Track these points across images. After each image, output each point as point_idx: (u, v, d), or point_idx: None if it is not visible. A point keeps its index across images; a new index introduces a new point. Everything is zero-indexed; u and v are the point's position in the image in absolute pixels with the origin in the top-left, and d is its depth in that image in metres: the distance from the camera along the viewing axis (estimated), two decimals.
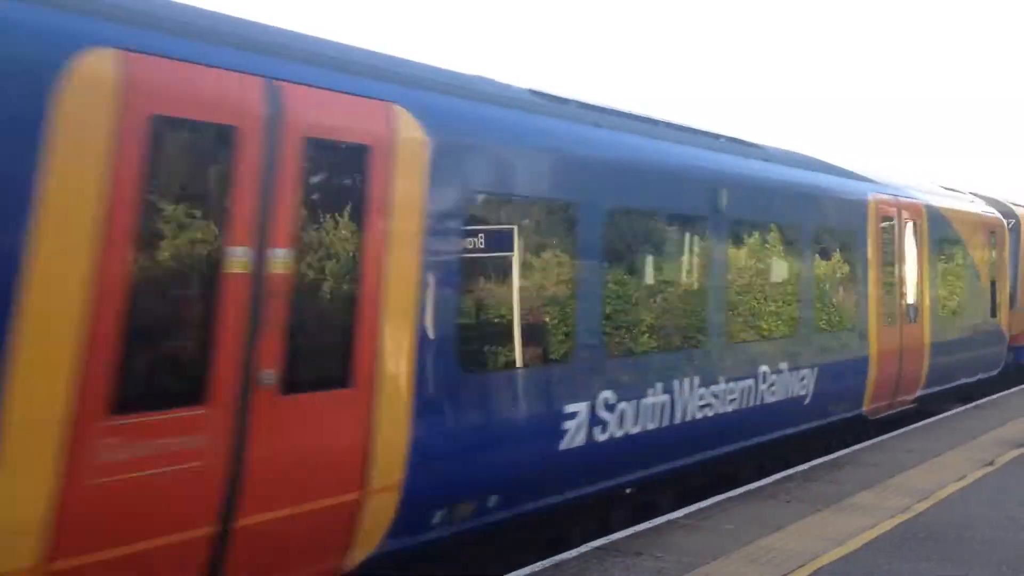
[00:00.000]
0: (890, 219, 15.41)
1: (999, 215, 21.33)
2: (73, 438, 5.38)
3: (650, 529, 9.62)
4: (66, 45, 5.48)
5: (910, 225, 16.10)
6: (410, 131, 7.44)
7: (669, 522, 9.88)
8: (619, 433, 9.47)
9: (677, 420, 10.21)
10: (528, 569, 8.34)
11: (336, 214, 6.91)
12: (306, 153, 6.64)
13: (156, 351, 6.08)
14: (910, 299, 15.95)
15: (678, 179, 10.68)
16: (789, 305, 12.51)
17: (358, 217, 7.00)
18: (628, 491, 10.50)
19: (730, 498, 10.93)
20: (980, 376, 19.67)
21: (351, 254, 6.99)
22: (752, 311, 11.79)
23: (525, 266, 8.76)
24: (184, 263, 6.07)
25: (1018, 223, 22.95)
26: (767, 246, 12.20)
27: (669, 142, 10.88)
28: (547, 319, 9.05)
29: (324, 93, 6.91)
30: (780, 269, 12.53)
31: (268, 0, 47.56)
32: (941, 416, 17.18)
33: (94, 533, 5.52)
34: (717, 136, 12.09)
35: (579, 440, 9.03)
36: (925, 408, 17.24)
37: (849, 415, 14.37)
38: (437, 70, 8.55)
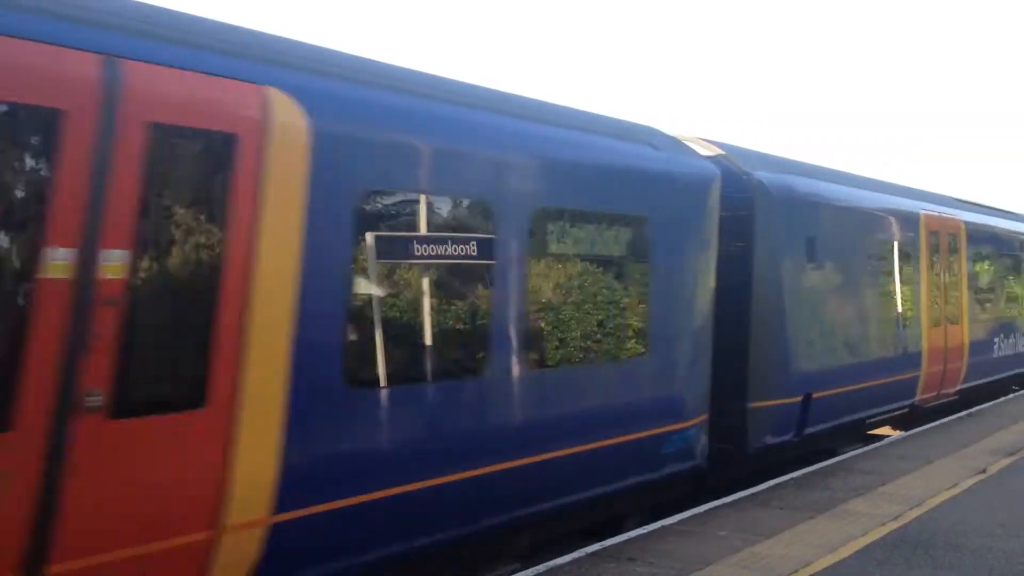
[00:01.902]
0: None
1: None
2: None
3: (644, 535, 9.67)
4: None
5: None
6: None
7: (663, 528, 9.93)
8: None
9: None
10: (521, 574, 8.39)
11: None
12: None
13: None
14: None
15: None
16: None
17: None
18: None
19: (724, 504, 10.98)
20: None
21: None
22: None
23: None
24: None
25: None
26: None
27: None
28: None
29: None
30: None
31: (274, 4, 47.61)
32: (934, 424, 17.22)
33: None
34: None
35: None
36: (918, 416, 17.30)
37: None
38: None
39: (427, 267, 7.68)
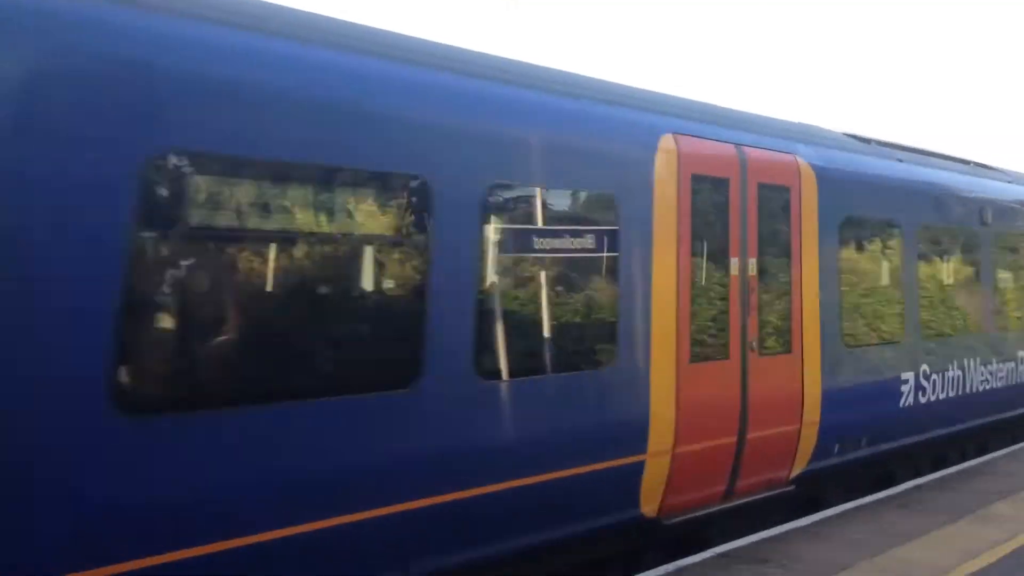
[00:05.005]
0: None
1: None
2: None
3: (775, 536, 9.52)
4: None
5: None
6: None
7: (795, 530, 9.75)
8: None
9: None
10: (650, 573, 8.35)
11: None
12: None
13: None
14: None
15: None
16: None
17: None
18: None
19: (859, 506, 10.73)
20: None
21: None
22: None
23: None
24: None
25: None
26: None
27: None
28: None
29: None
30: None
31: None
32: None
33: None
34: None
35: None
36: None
37: None
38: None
39: None
